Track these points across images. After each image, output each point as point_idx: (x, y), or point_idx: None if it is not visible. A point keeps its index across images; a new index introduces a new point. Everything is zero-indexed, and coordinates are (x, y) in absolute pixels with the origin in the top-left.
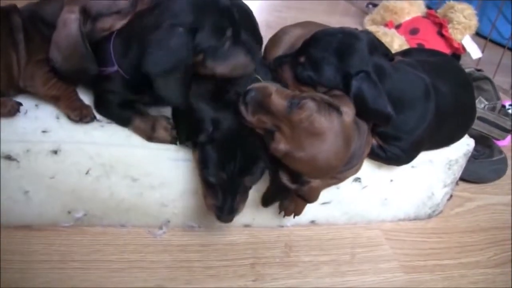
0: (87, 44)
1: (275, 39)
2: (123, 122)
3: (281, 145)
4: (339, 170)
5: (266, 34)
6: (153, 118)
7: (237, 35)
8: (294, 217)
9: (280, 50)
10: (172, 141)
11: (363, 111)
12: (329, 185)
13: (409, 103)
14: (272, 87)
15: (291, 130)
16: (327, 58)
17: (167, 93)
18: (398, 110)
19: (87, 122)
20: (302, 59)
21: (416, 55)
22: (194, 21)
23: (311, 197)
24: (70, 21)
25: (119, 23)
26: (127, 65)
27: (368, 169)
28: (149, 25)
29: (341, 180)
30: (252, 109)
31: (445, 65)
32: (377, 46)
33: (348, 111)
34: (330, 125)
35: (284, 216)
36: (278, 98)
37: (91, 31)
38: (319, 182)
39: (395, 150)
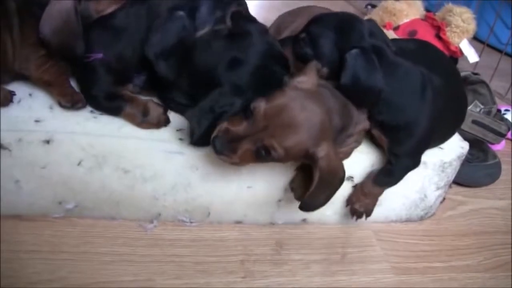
0: (79, 20)
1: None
2: (114, 112)
3: (276, 147)
4: (332, 128)
5: None
6: (143, 102)
7: None
8: (366, 218)
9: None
10: (166, 123)
11: (355, 88)
12: (339, 155)
13: (409, 92)
14: (221, 125)
15: (265, 133)
16: (325, 34)
17: (167, 74)
18: (397, 97)
19: (79, 109)
20: (302, 35)
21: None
22: (193, 2)
23: (334, 167)
24: None
25: (112, 7)
26: (114, 53)
27: (360, 168)
28: (143, 14)
29: (347, 153)
30: (228, 151)
31: (428, 53)
32: (378, 34)
33: (304, 79)
34: (288, 98)
35: (356, 219)
36: (234, 126)
37: (85, 10)
38: (326, 148)
39: (401, 164)
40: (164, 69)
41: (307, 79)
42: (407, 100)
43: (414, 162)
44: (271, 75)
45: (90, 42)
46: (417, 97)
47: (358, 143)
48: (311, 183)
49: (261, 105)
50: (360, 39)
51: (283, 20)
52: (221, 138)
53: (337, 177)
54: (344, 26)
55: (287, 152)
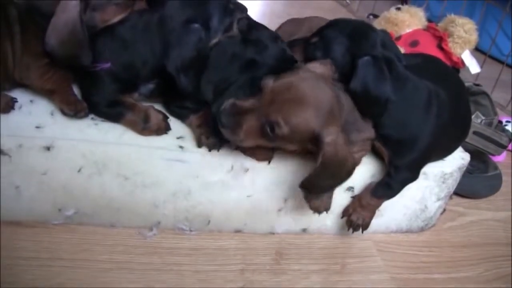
0: (85, 31)
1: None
2: (115, 119)
3: (281, 123)
4: (341, 116)
5: None
6: (145, 109)
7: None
8: (362, 231)
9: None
10: (166, 130)
11: (363, 95)
12: (350, 151)
13: (415, 107)
14: (228, 101)
15: (272, 108)
16: (339, 39)
17: (190, 87)
18: (403, 112)
19: (81, 117)
20: (314, 39)
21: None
22: (204, 13)
23: (342, 156)
24: (70, 7)
25: (118, 16)
26: (121, 62)
27: (361, 179)
28: (154, 26)
29: (354, 150)
30: (233, 124)
31: (435, 67)
32: (390, 46)
33: (317, 65)
34: (298, 77)
35: (352, 232)
36: (240, 102)
37: (90, 20)
38: (334, 133)
39: (400, 177)
40: (185, 82)
41: (320, 66)
42: (412, 115)
43: (413, 175)
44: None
45: (97, 51)
46: (422, 112)
47: (365, 152)
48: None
49: (270, 82)
50: (372, 48)
51: (286, 29)
52: (227, 111)
53: (344, 168)
54: (358, 33)
55: (292, 130)
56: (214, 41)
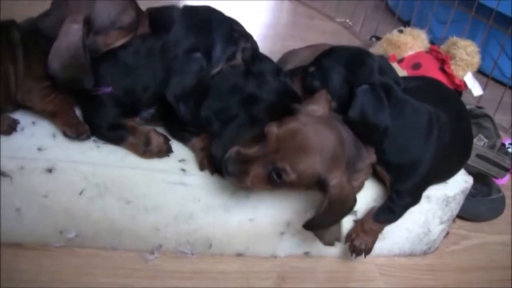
0: (87, 55)
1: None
2: (116, 142)
3: (288, 170)
4: (345, 157)
5: None
6: (146, 132)
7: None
8: (365, 256)
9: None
10: (168, 152)
11: (362, 123)
12: (353, 187)
13: (415, 132)
14: (233, 148)
15: (278, 155)
16: (336, 68)
17: (189, 116)
18: (403, 137)
19: (83, 140)
20: (312, 69)
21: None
22: (206, 42)
23: (345, 195)
24: (72, 31)
25: (121, 41)
26: (123, 87)
27: (363, 202)
28: (157, 52)
29: (359, 187)
30: (240, 173)
31: (436, 90)
32: (388, 71)
33: (315, 108)
34: (301, 123)
35: (355, 257)
36: (245, 149)
37: (93, 44)
38: (338, 176)
39: (402, 201)
40: (184, 111)
41: (319, 108)
42: (412, 140)
43: (415, 199)
44: (285, 110)
45: (99, 75)
46: (423, 137)
47: (367, 176)
48: (320, 207)
49: (273, 129)
50: (370, 75)
51: (289, 57)
52: (233, 159)
53: (346, 205)
54: (355, 61)
55: (299, 176)
56: (216, 70)
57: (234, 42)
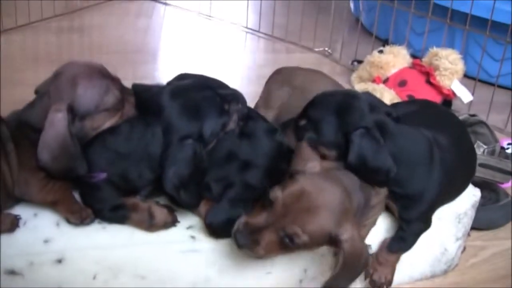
0: (76, 143)
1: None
2: (120, 221)
3: (299, 233)
4: (354, 208)
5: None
6: (148, 207)
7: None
8: None
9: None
10: (174, 222)
11: (363, 168)
12: (363, 235)
13: (416, 161)
14: (240, 219)
15: (287, 220)
16: (326, 118)
17: (191, 201)
18: (405, 169)
19: (88, 224)
20: (302, 122)
21: (401, 108)
22: (197, 126)
23: (358, 249)
24: (57, 120)
25: (109, 122)
26: (118, 172)
27: (376, 234)
28: (149, 141)
29: (373, 222)
30: (251, 243)
31: (430, 112)
32: (378, 106)
33: (311, 165)
34: (304, 183)
35: None
36: (253, 218)
37: (80, 130)
38: (349, 230)
39: (413, 229)
40: (186, 198)
41: (313, 164)
42: (414, 170)
43: (425, 225)
44: (281, 172)
45: (92, 161)
46: (425, 165)
47: (381, 211)
48: (336, 266)
49: (279, 194)
50: (362, 118)
51: (270, 89)
52: (242, 231)
53: (361, 260)
54: (344, 107)
55: (311, 237)
56: (211, 145)
57: (226, 113)
